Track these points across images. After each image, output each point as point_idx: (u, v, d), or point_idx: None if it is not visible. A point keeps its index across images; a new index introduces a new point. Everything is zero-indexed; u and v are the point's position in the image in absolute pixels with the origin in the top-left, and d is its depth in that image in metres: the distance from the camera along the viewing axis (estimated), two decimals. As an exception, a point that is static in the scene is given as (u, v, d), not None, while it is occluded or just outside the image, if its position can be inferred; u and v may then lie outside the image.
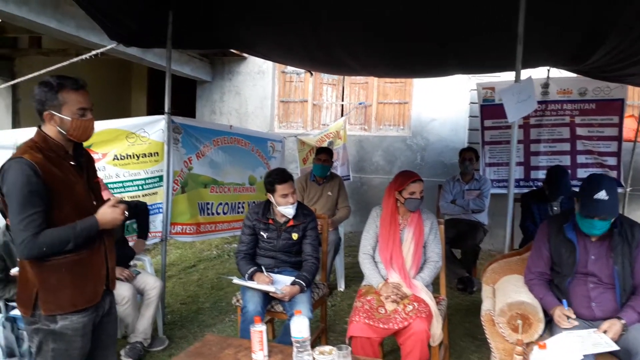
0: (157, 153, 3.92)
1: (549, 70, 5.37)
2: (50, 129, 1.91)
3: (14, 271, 2.77)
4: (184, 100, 8.01)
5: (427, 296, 2.79)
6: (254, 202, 4.93)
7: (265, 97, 7.78)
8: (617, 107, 5.48)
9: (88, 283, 1.97)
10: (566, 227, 2.50)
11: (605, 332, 2.26)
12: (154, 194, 4.00)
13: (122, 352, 3.24)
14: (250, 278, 3.06)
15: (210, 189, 4.53)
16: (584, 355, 2.15)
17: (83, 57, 3.87)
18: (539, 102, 5.43)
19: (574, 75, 5.03)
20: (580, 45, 3.64)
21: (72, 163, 1.96)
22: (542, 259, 2.62)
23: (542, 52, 3.90)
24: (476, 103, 6.16)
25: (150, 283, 3.46)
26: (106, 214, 1.94)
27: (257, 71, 7.77)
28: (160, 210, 3.98)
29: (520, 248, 3.65)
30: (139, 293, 3.44)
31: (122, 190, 3.84)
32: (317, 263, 3.20)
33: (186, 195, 4.21)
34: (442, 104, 7.00)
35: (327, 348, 2.06)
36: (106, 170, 3.75)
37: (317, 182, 4.82)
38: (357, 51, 4.22)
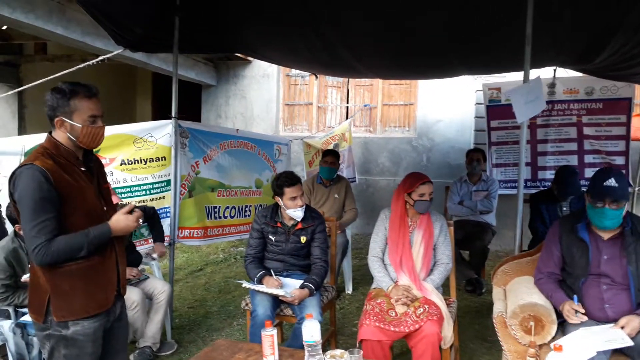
0: (165, 157, 3.93)
1: (555, 70, 5.34)
2: (60, 135, 1.91)
3: (25, 277, 2.77)
4: (189, 104, 8.03)
5: (437, 298, 2.77)
6: (260, 206, 4.94)
7: (271, 100, 7.79)
8: (624, 106, 5.45)
9: (100, 288, 1.97)
10: (579, 227, 2.48)
11: (622, 327, 2.23)
12: (161, 198, 4.00)
13: (131, 357, 3.24)
14: (260, 282, 3.05)
15: (218, 193, 4.53)
16: (598, 352, 2.13)
17: (89, 63, 3.89)
18: (546, 102, 5.41)
19: (581, 74, 5.01)
20: (587, 45, 3.62)
21: (82, 169, 1.96)
22: (552, 259, 2.60)
23: (549, 52, 3.89)
24: (482, 104, 6.13)
25: (158, 287, 3.46)
26: (119, 221, 1.93)
27: (262, 74, 7.78)
28: (168, 214, 3.98)
29: (529, 249, 3.62)
30: (148, 297, 3.44)
31: (130, 195, 3.85)
32: (326, 266, 3.18)
33: (193, 200, 4.22)
34: (447, 105, 6.99)
35: (338, 352, 2.04)
36: (114, 175, 3.76)
37: (323, 184, 4.82)
38: (362, 52, 4.22)
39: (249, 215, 4.88)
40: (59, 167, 1.85)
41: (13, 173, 1.84)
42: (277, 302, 3.00)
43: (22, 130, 7.25)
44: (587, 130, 5.62)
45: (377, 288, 2.97)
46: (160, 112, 8.62)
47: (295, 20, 3.59)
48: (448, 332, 2.67)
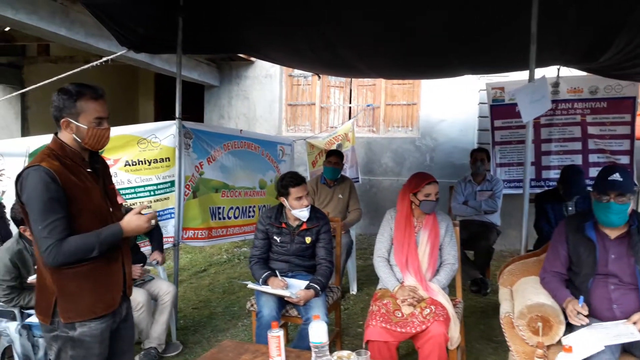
0: (169, 158, 3.92)
1: (559, 69, 5.32)
2: (66, 136, 1.91)
3: (32, 279, 2.77)
4: (191, 105, 8.03)
5: (444, 299, 2.76)
6: (264, 206, 4.93)
7: (273, 100, 7.79)
8: (628, 105, 5.43)
9: (106, 290, 1.97)
10: (586, 225, 2.47)
11: (634, 323, 2.22)
12: (165, 199, 4.00)
13: (137, 358, 3.24)
14: (265, 282, 3.04)
15: (222, 194, 4.53)
16: (606, 347, 2.12)
17: (92, 64, 3.88)
18: (549, 101, 5.40)
19: (584, 73, 4.99)
20: (592, 44, 3.61)
21: (88, 170, 1.95)
22: (559, 259, 2.58)
23: (553, 51, 3.87)
24: (485, 103, 6.12)
25: (163, 288, 3.46)
26: (131, 221, 1.93)
27: (265, 75, 7.78)
28: (172, 215, 3.98)
29: (534, 249, 3.61)
30: (153, 299, 3.43)
31: (134, 196, 3.85)
32: (331, 267, 3.17)
33: (198, 200, 4.21)
34: (451, 105, 6.97)
35: (345, 353, 2.04)
36: (118, 176, 3.76)
37: (327, 184, 4.81)
38: (362, 52, 4.21)
39: (252, 216, 4.88)
40: (65, 168, 1.85)
41: (20, 175, 1.83)
42: (282, 303, 2.99)
43: (25, 131, 7.25)
44: (591, 130, 5.60)
45: (383, 289, 2.96)
46: (162, 113, 8.62)
47: (297, 20, 3.58)
48: (455, 332, 2.66)
